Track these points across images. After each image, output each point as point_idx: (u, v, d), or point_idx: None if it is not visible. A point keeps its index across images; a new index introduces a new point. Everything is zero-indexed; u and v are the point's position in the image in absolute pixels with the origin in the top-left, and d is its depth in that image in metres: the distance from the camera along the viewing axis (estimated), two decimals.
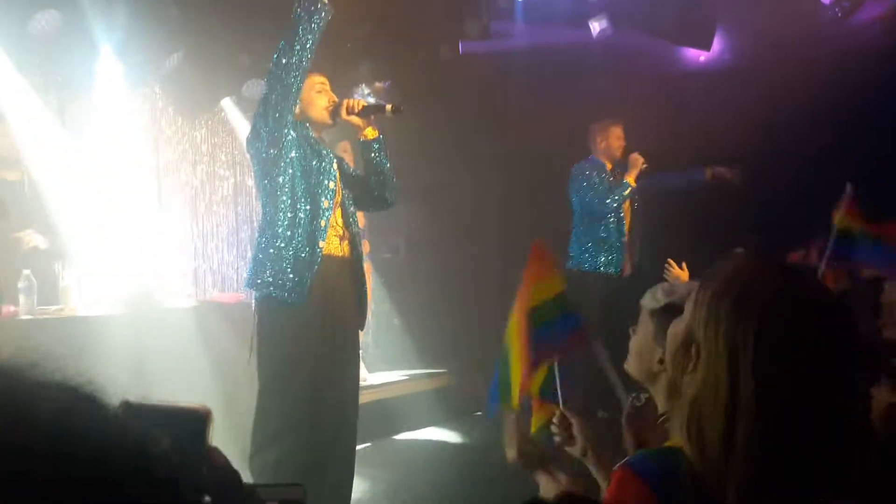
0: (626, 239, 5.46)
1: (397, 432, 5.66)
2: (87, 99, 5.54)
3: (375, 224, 6.12)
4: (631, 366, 2.03)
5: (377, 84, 6.39)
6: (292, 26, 3.23)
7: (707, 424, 1.23)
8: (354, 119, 3.54)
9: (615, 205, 5.35)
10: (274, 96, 3.27)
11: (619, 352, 2.17)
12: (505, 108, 5.56)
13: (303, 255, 3.32)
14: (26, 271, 4.20)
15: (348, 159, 4.06)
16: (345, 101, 3.55)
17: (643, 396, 2.08)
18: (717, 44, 6.71)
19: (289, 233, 3.34)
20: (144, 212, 5.85)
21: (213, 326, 4.69)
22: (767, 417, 1.19)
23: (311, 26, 3.22)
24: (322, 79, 3.56)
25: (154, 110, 6.05)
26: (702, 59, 6.82)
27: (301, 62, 3.23)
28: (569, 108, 5.66)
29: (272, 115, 3.28)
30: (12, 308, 4.11)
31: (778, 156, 5.84)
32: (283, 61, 3.22)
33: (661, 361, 1.78)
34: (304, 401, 3.30)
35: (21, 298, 4.16)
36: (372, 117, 3.57)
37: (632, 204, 5.51)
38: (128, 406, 0.94)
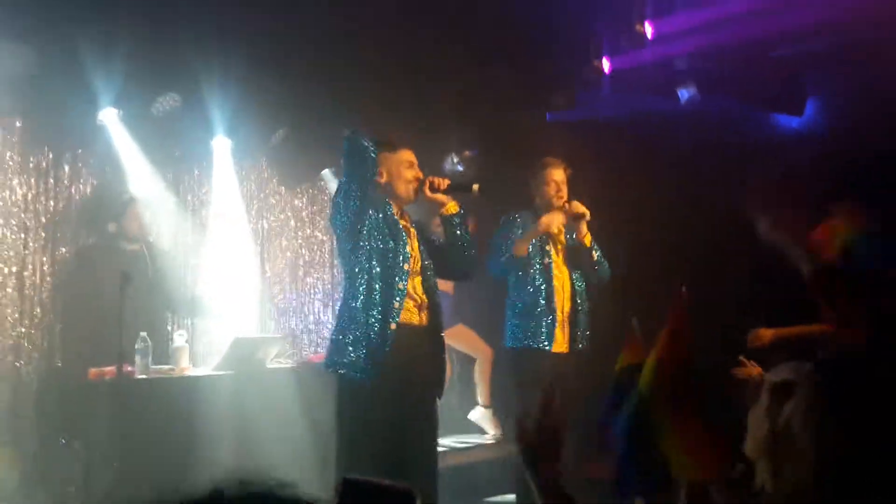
0: (556, 305, 4.49)
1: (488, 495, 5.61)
2: (202, 173, 5.97)
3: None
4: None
5: (466, 153, 6.56)
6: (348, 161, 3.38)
7: None
8: (439, 196, 3.55)
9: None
10: (352, 186, 3.36)
11: None
12: (592, 178, 5.64)
13: (375, 336, 3.33)
14: (143, 333, 4.49)
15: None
16: (429, 179, 3.55)
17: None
18: (809, 107, 6.62)
19: (364, 315, 3.35)
20: (249, 276, 6.19)
21: (310, 387, 4.87)
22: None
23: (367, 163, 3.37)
24: (411, 154, 3.57)
25: (260, 181, 6.43)
26: (795, 125, 6.75)
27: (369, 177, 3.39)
28: (659, 179, 5.67)
29: (352, 204, 3.35)
30: (129, 367, 4.37)
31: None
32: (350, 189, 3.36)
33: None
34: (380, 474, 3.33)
35: (137, 359, 4.42)
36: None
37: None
38: (346, 483, 1.23)
